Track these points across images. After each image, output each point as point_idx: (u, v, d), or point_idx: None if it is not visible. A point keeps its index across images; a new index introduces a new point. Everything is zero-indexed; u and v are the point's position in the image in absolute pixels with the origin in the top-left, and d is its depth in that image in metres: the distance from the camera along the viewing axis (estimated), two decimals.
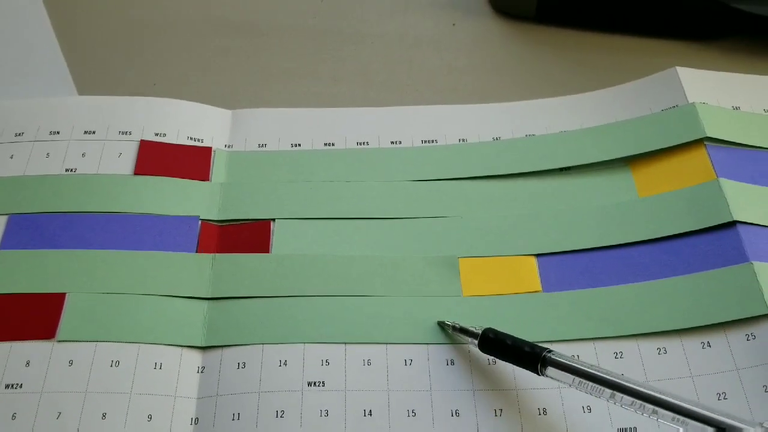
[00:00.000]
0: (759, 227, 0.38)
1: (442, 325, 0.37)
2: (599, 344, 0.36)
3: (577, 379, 0.31)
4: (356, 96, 0.50)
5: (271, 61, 0.53)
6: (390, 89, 0.51)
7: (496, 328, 0.35)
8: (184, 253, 0.40)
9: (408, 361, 0.36)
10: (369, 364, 0.35)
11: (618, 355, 0.35)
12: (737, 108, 0.45)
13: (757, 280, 0.36)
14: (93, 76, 0.51)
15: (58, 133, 0.45)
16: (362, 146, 0.45)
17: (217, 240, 0.41)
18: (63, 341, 0.36)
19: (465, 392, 0.35)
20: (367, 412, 0.34)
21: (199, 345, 0.37)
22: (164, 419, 0.34)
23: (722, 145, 0.43)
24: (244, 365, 0.35)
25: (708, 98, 0.45)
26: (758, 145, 0.43)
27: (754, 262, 0.36)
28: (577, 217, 0.41)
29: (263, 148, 0.45)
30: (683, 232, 0.39)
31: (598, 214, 0.41)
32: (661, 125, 0.44)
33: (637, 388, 0.30)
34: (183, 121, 0.46)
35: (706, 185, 0.40)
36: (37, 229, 0.40)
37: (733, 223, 0.38)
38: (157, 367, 0.35)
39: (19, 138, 0.45)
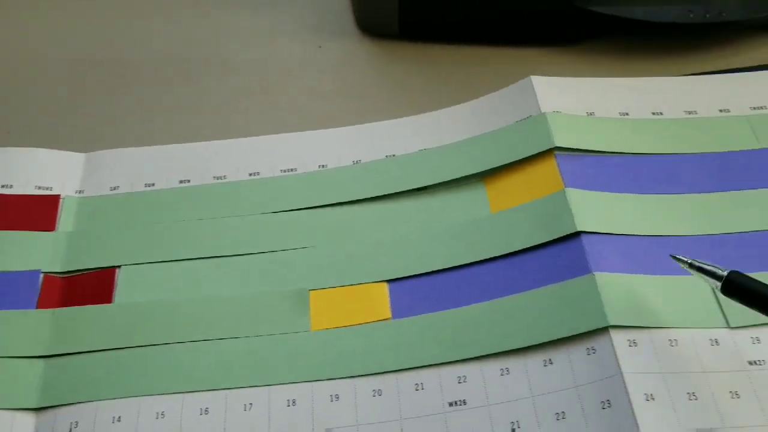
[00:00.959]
0: (603, 236, 0.38)
1: (677, 258, 0.35)
2: (444, 370, 0.35)
3: None
4: (219, 127, 0.49)
5: (130, 97, 0.52)
6: (254, 118, 0.50)
7: (740, 273, 0.33)
8: (22, 310, 0.38)
9: (248, 406, 0.34)
10: (206, 413, 0.34)
11: (461, 380, 0.34)
12: (591, 114, 0.45)
13: (598, 292, 0.35)
14: None
15: None
16: (219, 181, 0.44)
17: (59, 294, 0.39)
18: None
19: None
20: None
21: (31, 407, 0.35)
22: None
23: (573, 153, 0.42)
24: (76, 425, 0.34)
25: (562, 106, 0.45)
26: (610, 151, 0.43)
27: (596, 273, 0.36)
28: (429, 239, 0.40)
29: (115, 191, 0.44)
30: (531, 246, 0.38)
31: (450, 234, 0.40)
32: (513, 138, 0.44)
33: None
34: (32, 170, 0.45)
35: (553, 196, 0.40)
36: None
37: (577, 234, 0.38)
38: None
39: None
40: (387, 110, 0.49)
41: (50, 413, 0.35)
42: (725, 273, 0.33)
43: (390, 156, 0.45)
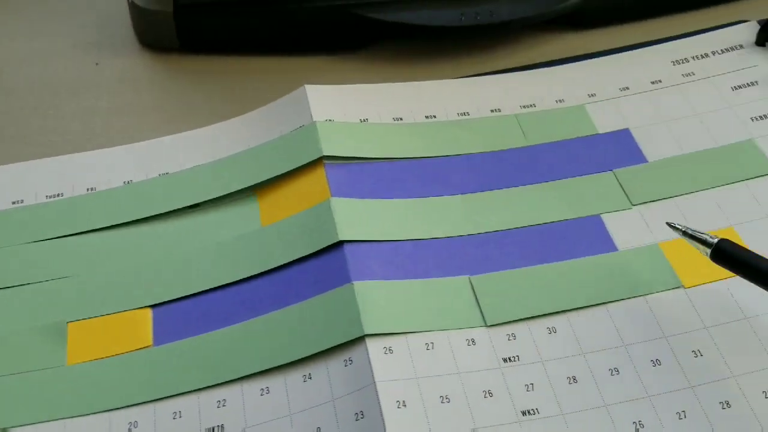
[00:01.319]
0: (367, 244, 0.38)
1: (672, 226, 0.36)
2: (203, 395, 0.34)
3: None
4: None
5: None
6: (22, 143, 0.48)
7: (730, 241, 0.34)
8: None
9: None
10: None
11: (221, 404, 0.33)
12: (365, 120, 0.44)
13: (356, 301, 0.35)
14: None
15: None
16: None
17: None
18: None
19: None
20: None
21: None
22: None
23: (342, 161, 0.42)
24: None
25: (335, 114, 0.44)
26: (382, 157, 0.42)
27: (354, 283, 0.36)
28: (197, 258, 0.39)
29: None
30: (299, 259, 0.38)
31: (220, 251, 0.39)
32: (284, 148, 0.43)
33: None
34: None
35: (318, 207, 0.39)
36: None
37: (340, 244, 0.37)
38: None
39: None
40: (168, 126, 0.48)
41: None
42: (715, 240, 0.34)
43: (163, 174, 0.44)
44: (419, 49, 0.52)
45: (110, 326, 0.37)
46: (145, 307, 0.38)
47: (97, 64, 0.53)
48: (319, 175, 0.41)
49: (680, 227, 0.36)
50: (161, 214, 0.42)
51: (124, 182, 0.43)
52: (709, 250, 0.35)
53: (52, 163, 0.45)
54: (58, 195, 0.43)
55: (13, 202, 0.43)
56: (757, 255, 0.34)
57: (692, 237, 0.35)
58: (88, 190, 0.43)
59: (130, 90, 0.52)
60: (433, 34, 0.50)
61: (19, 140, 0.48)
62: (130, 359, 0.36)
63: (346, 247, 0.37)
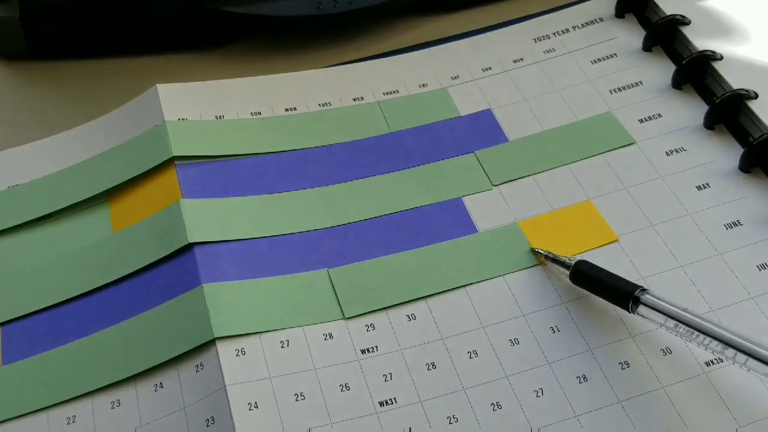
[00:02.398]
0: (218, 244, 0.36)
1: (535, 252, 0.36)
2: (52, 412, 0.32)
3: (670, 321, 0.31)
4: None
5: None
6: None
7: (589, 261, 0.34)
8: None
9: None
10: None
11: (70, 420, 0.32)
12: (221, 117, 0.43)
13: (206, 304, 0.33)
14: None
15: None
16: None
17: None
18: None
19: None
20: None
21: None
22: None
23: (195, 161, 0.40)
24: None
25: (189, 113, 0.43)
26: (238, 153, 0.41)
27: (204, 285, 0.34)
28: (47, 270, 0.37)
29: None
30: (150, 265, 0.36)
31: (71, 262, 0.37)
32: (135, 151, 0.41)
33: (733, 337, 0.30)
34: None
35: (168, 209, 0.38)
36: None
37: (190, 246, 0.36)
38: None
39: None
40: (19, 136, 0.46)
41: None
42: (573, 262, 0.34)
43: (12, 186, 0.41)
44: (280, 43, 0.51)
45: None
46: None
47: None
48: (170, 176, 0.40)
49: (542, 252, 0.36)
50: (10, 228, 0.40)
51: None
52: (568, 272, 0.35)
53: None
54: None
55: None
56: (613, 275, 0.34)
57: (553, 260, 0.35)
58: None
59: None
60: (292, 25, 0.49)
61: None
62: None
63: (197, 249, 0.36)
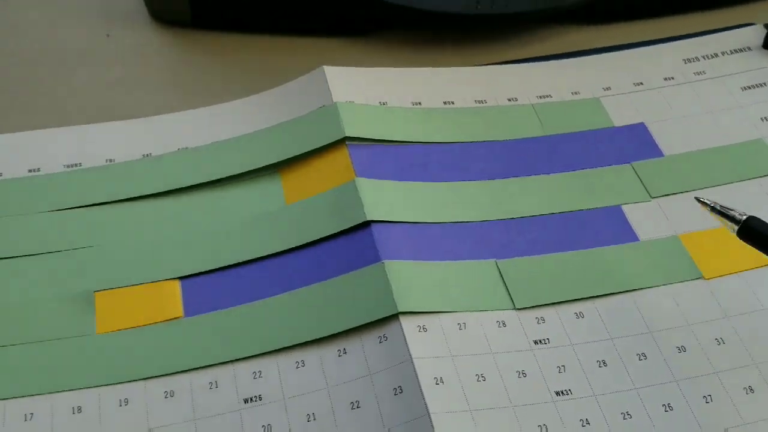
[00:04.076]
0: (393, 224, 0.38)
1: (700, 200, 0.35)
2: (239, 366, 0.34)
3: None
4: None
5: None
6: (33, 111, 0.47)
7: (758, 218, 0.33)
8: None
9: (28, 416, 0.32)
10: None
11: (257, 375, 0.34)
12: (384, 103, 0.45)
13: (388, 280, 0.35)
14: None
15: None
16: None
17: None
18: None
19: None
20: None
21: None
22: None
23: (364, 143, 0.42)
24: None
25: (355, 96, 0.45)
26: (402, 140, 0.43)
27: (385, 261, 0.36)
28: (223, 233, 0.39)
29: None
30: (325, 237, 0.38)
31: (245, 226, 0.39)
32: (306, 128, 0.43)
33: None
34: None
35: (344, 186, 0.40)
36: None
37: (367, 223, 0.38)
38: None
39: None
40: (180, 101, 0.48)
41: None
42: (743, 217, 0.33)
43: (182, 148, 0.43)
44: (431, 36, 0.52)
45: (138, 297, 0.37)
46: (173, 279, 0.38)
47: (108, 35, 0.53)
48: (343, 155, 0.42)
49: (709, 202, 0.36)
50: (182, 188, 0.42)
51: (143, 155, 0.43)
52: (737, 227, 0.34)
53: (69, 133, 0.44)
54: (76, 165, 0.43)
55: (30, 170, 0.42)
56: None
57: (720, 213, 0.34)
58: (106, 161, 0.43)
59: (142, 63, 0.52)
60: (446, 21, 0.51)
61: (32, 109, 0.48)
62: (162, 329, 0.36)
63: (374, 227, 0.38)
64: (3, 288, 0.37)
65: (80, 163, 0.43)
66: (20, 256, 0.39)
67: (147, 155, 0.43)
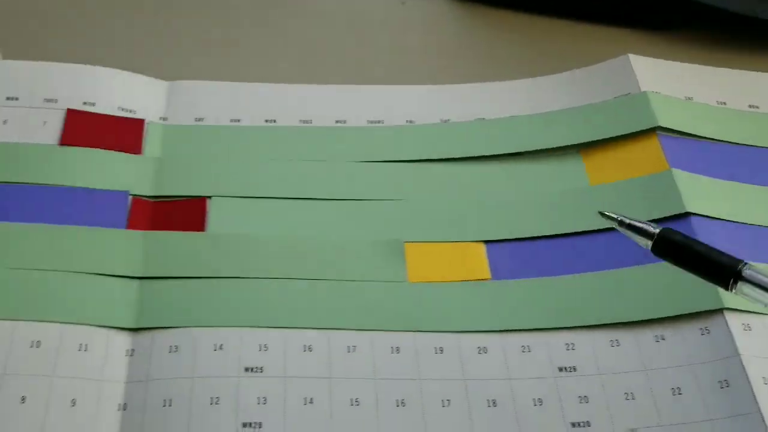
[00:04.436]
0: (710, 219, 0.38)
1: (605, 215, 0.31)
2: (552, 335, 0.34)
3: None
4: (299, 72, 0.48)
5: (207, 31, 0.50)
6: (334, 67, 0.49)
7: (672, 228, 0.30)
8: (112, 229, 0.37)
9: (351, 348, 0.34)
10: (310, 350, 0.33)
11: (570, 347, 0.34)
12: (690, 99, 0.44)
13: None
14: (17, 40, 0.48)
15: None
16: (305, 124, 0.43)
17: (148, 217, 0.38)
18: None
19: (411, 381, 0.33)
20: (307, 401, 0.32)
21: (128, 326, 0.34)
22: (89, 404, 0.31)
23: (674, 135, 0.42)
24: (176, 349, 0.33)
25: (660, 87, 0.44)
26: (710, 137, 0.42)
27: None
28: (527, 204, 0.40)
29: (200, 122, 0.43)
30: None
31: (549, 201, 0.40)
32: (613, 113, 0.43)
33: None
34: (114, 91, 0.44)
35: (659, 175, 0.39)
36: None
37: (686, 215, 0.37)
38: (82, 348, 0.33)
39: None
40: (472, 74, 0.48)
41: (147, 335, 0.34)
42: (657, 230, 0.30)
43: (479, 119, 0.44)
44: (726, 36, 0.51)
45: (446, 253, 0.38)
46: (479, 241, 0.38)
47: (403, 2, 0.54)
48: (653, 144, 0.41)
49: (615, 216, 0.31)
50: (478, 156, 0.42)
51: (441, 120, 0.44)
52: (650, 242, 0.30)
53: (372, 91, 0.46)
54: (378, 122, 0.44)
55: (336, 121, 0.44)
56: (707, 245, 0.30)
57: (630, 227, 0.30)
58: (406, 121, 0.44)
59: (435, 33, 0.53)
60: (750, 23, 0.49)
61: (334, 63, 0.49)
62: (472, 287, 0.36)
63: (694, 219, 0.37)
64: (316, 226, 0.38)
65: (382, 121, 0.44)
66: (331, 199, 0.40)
67: (445, 120, 0.44)
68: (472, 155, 0.43)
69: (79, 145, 0.41)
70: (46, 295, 0.34)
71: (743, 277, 0.27)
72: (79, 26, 0.50)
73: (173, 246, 0.37)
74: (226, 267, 0.36)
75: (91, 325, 0.34)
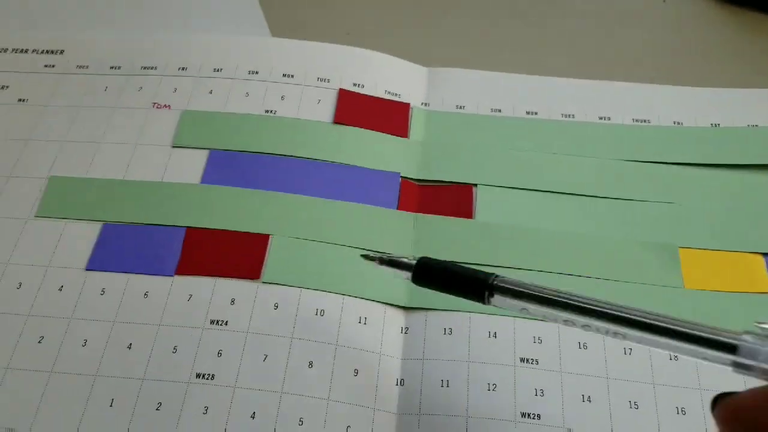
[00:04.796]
0: None
1: (366, 257, 0.32)
2: None
3: (530, 305, 0.27)
4: (558, 67, 0.47)
5: (466, 21, 0.50)
6: (594, 63, 0.48)
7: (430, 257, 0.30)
8: (387, 209, 0.38)
9: (628, 351, 0.33)
10: (585, 347, 0.33)
11: None
12: None
13: None
14: (286, 18, 0.49)
15: (256, 73, 0.44)
16: (567, 119, 0.43)
17: (416, 199, 0.39)
18: (267, 283, 0.35)
19: (692, 390, 0.32)
20: (585, 398, 0.31)
21: (402, 305, 0.34)
22: (370, 376, 0.32)
23: None
24: (450, 332, 0.33)
25: None
26: None
27: None
28: None
29: (461, 110, 0.43)
30: None
31: None
32: None
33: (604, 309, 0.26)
34: (380, 74, 0.44)
35: None
36: (237, 167, 0.39)
37: None
38: (362, 321, 0.34)
39: (217, 74, 0.44)
40: (735, 78, 0.47)
41: (420, 315, 0.34)
42: (414, 261, 0.30)
43: (752, 126, 0.42)
44: None
45: (723, 262, 0.36)
46: (758, 253, 0.36)
47: (664, 1, 0.52)
48: None
49: (374, 256, 0.31)
50: (750, 165, 0.40)
51: (711, 124, 0.42)
52: (410, 273, 0.30)
53: (636, 88, 0.45)
54: (644, 121, 0.43)
55: (600, 117, 0.43)
56: (459, 265, 0.30)
57: (389, 263, 0.30)
58: (674, 123, 0.43)
59: (697, 34, 0.51)
60: None
61: (592, 60, 0.49)
62: (753, 300, 0.35)
63: None
64: (581, 222, 0.38)
65: (648, 120, 0.43)
66: (597, 197, 0.39)
67: (715, 125, 0.42)
68: (745, 163, 0.40)
69: (350, 125, 0.42)
70: (328, 266, 0.35)
71: (495, 287, 0.28)
72: (344, 9, 0.51)
73: (443, 230, 0.37)
74: (497, 256, 0.36)
75: (369, 299, 0.34)
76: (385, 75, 0.45)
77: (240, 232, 0.36)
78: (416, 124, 0.42)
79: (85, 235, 0.36)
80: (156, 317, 0.34)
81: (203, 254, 0.36)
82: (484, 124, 0.43)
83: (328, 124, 0.42)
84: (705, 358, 0.24)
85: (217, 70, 0.44)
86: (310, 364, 0.32)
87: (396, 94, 0.44)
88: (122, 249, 0.36)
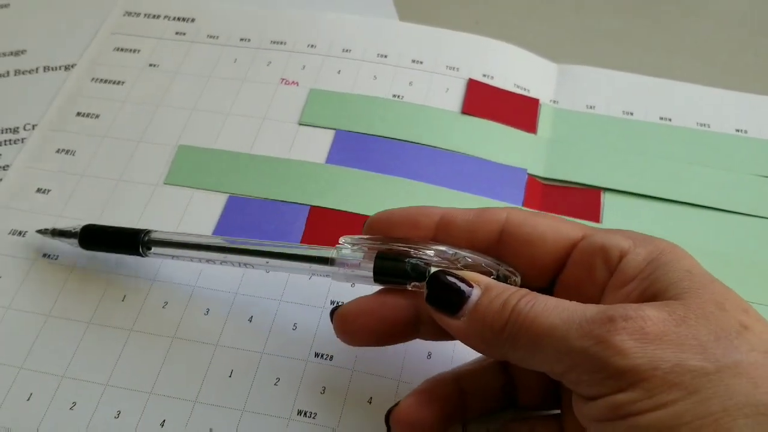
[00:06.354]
0: None
1: (39, 231, 0.34)
2: None
3: (178, 252, 0.31)
4: (693, 73, 0.46)
5: (597, 18, 0.49)
6: (732, 72, 0.46)
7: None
8: (513, 205, 0.37)
9: None
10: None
11: None
12: None
13: None
14: (415, 3, 0.49)
15: (385, 56, 0.43)
16: (702, 128, 0.41)
17: (541, 198, 0.38)
18: None
19: None
20: None
21: None
22: None
23: None
24: None
25: None
26: None
27: None
28: None
29: (591, 110, 0.42)
30: None
31: None
32: None
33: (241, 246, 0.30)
34: (510, 67, 0.43)
35: None
36: (362, 149, 0.39)
37: None
38: None
39: (346, 54, 0.43)
40: None
41: None
42: (78, 229, 0.33)
43: None
44: None
45: None
46: None
47: None
48: None
49: (47, 229, 0.34)
50: None
51: None
52: (77, 240, 0.33)
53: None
54: (743, 131, 0.41)
55: (736, 130, 0.42)
56: (118, 227, 0.33)
57: (60, 234, 0.33)
58: None
59: None
60: None
61: (730, 69, 0.47)
62: None
63: None
64: (721, 239, 0.37)
65: (746, 130, 0.41)
66: (736, 213, 0.38)
67: None
68: None
69: (478, 116, 0.41)
70: None
71: (148, 240, 0.32)
72: None
73: None
74: None
75: None
76: (514, 68, 0.44)
77: (362, 215, 0.36)
78: (544, 121, 0.41)
79: (211, 205, 0.36)
80: (277, 293, 0.34)
81: (325, 233, 0.35)
82: (615, 126, 0.41)
83: (456, 113, 0.41)
84: (314, 273, 0.29)
85: (346, 51, 0.43)
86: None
87: (525, 89, 0.43)
88: (247, 222, 0.36)
